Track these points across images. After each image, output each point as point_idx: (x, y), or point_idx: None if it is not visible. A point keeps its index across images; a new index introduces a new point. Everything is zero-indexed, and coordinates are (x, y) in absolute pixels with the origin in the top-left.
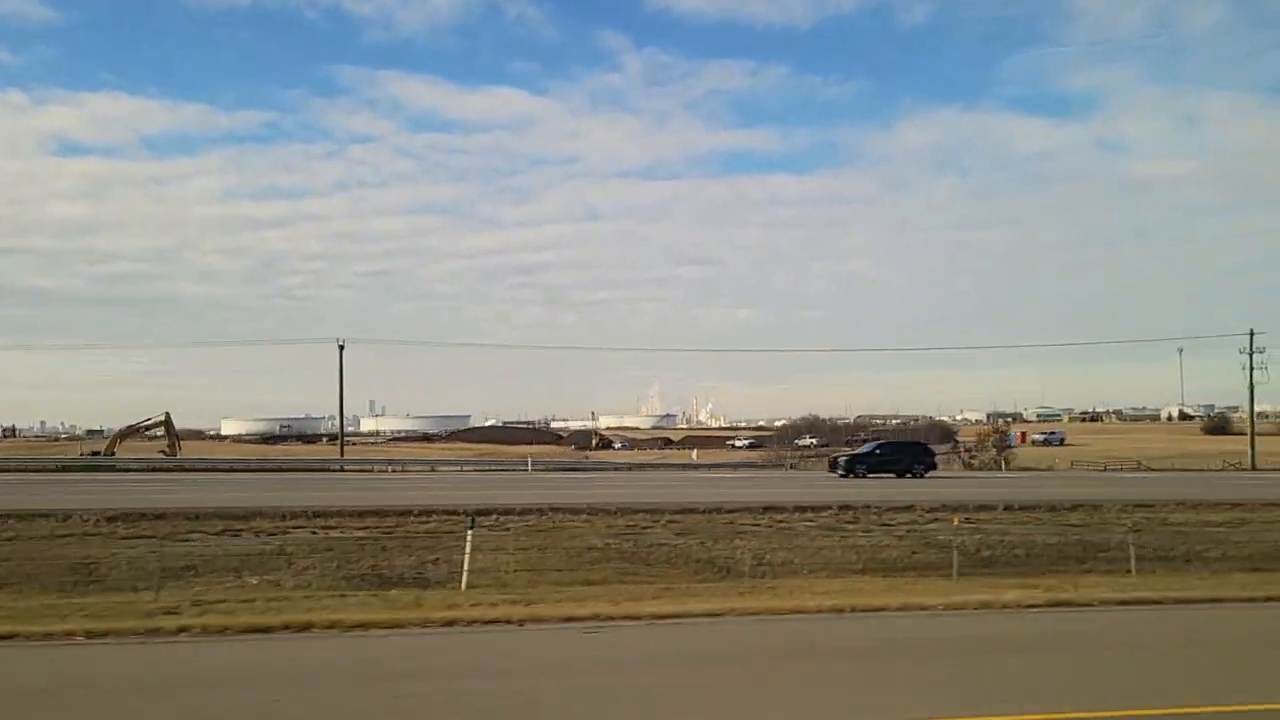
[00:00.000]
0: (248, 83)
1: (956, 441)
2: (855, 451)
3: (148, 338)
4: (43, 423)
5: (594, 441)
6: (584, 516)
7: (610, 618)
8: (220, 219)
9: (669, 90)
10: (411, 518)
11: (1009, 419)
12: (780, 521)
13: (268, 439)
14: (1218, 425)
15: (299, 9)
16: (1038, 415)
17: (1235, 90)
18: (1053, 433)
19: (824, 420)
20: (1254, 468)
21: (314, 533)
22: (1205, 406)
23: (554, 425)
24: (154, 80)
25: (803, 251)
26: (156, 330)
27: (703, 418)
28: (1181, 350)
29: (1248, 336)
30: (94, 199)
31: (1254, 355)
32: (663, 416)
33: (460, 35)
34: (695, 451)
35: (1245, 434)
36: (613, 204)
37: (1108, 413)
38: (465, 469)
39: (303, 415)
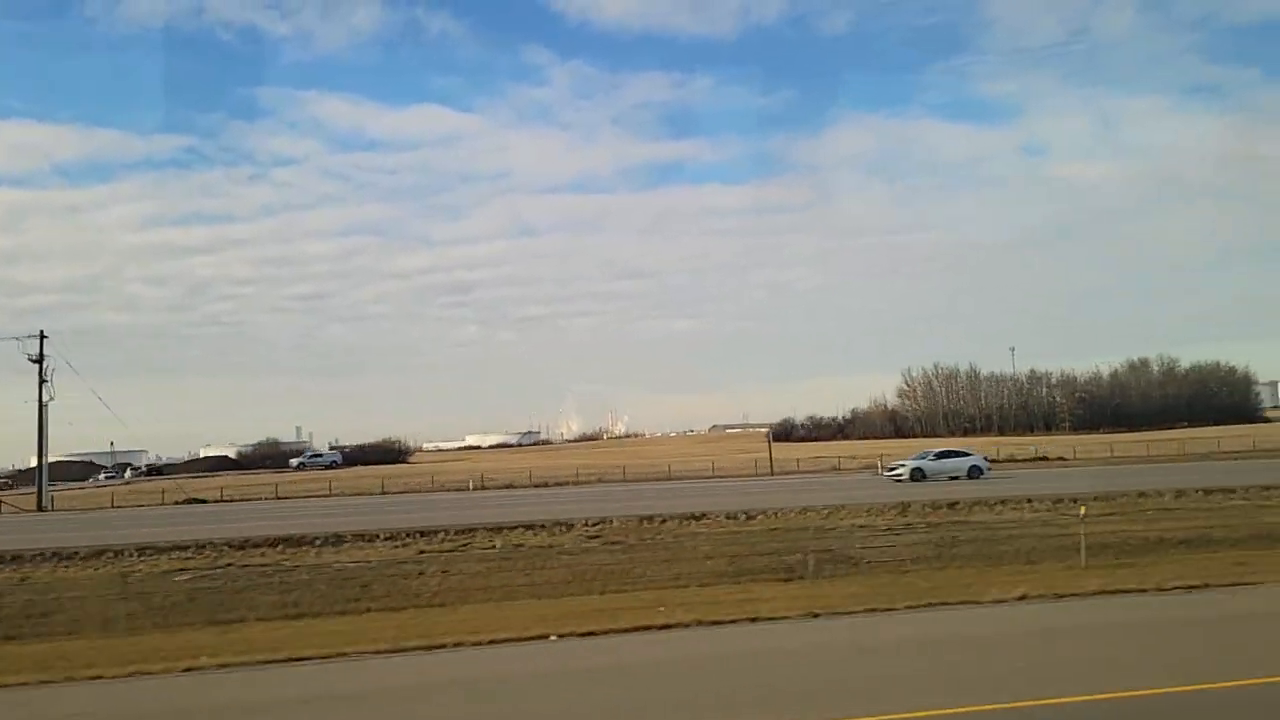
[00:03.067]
0: (164, 107)
1: None
2: None
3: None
4: None
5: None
6: None
7: None
8: (143, 246)
9: (596, 103)
10: None
11: None
12: None
13: None
14: None
15: (213, 30)
16: None
17: (1151, 93)
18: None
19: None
20: None
21: None
22: None
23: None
24: (65, 106)
25: (740, 261)
26: (79, 362)
27: (619, 431)
28: (1014, 349)
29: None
30: (9, 230)
31: None
32: (524, 434)
33: (381, 52)
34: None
35: None
36: (546, 219)
37: None
38: None
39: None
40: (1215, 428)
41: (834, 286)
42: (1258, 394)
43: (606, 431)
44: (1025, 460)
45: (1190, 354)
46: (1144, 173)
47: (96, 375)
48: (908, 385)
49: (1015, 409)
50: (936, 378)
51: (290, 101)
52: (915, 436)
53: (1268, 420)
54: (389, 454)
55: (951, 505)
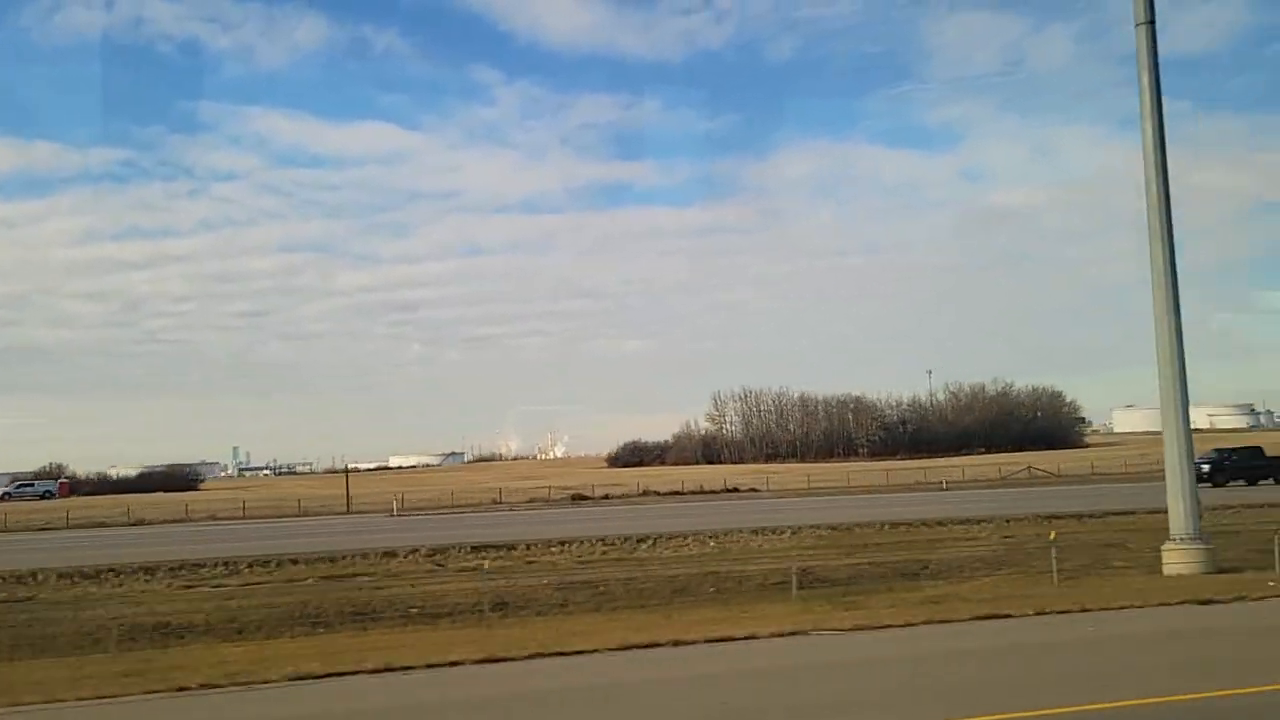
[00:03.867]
0: (102, 120)
1: None
2: None
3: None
4: None
5: None
6: None
7: None
8: (79, 261)
9: (544, 123)
10: None
11: None
12: None
13: None
14: None
15: (152, 42)
16: None
17: (1085, 123)
18: None
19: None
20: None
21: None
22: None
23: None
24: None
25: (689, 282)
26: (10, 379)
27: (558, 451)
28: (930, 372)
29: None
30: None
31: None
32: (448, 454)
33: (326, 69)
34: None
35: None
36: (495, 238)
37: None
38: None
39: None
40: (1018, 453)
41: (784, 309)
42: (1082, 421)
43: (543, 452)
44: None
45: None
46: (1080, 201)
47: (30, 393)
48: (716, 410)
49: (820, 435)
50: (745, 401)
51: (232, 116)
52: (724, 462)
53: (1086, 446)
54: (177, 481)
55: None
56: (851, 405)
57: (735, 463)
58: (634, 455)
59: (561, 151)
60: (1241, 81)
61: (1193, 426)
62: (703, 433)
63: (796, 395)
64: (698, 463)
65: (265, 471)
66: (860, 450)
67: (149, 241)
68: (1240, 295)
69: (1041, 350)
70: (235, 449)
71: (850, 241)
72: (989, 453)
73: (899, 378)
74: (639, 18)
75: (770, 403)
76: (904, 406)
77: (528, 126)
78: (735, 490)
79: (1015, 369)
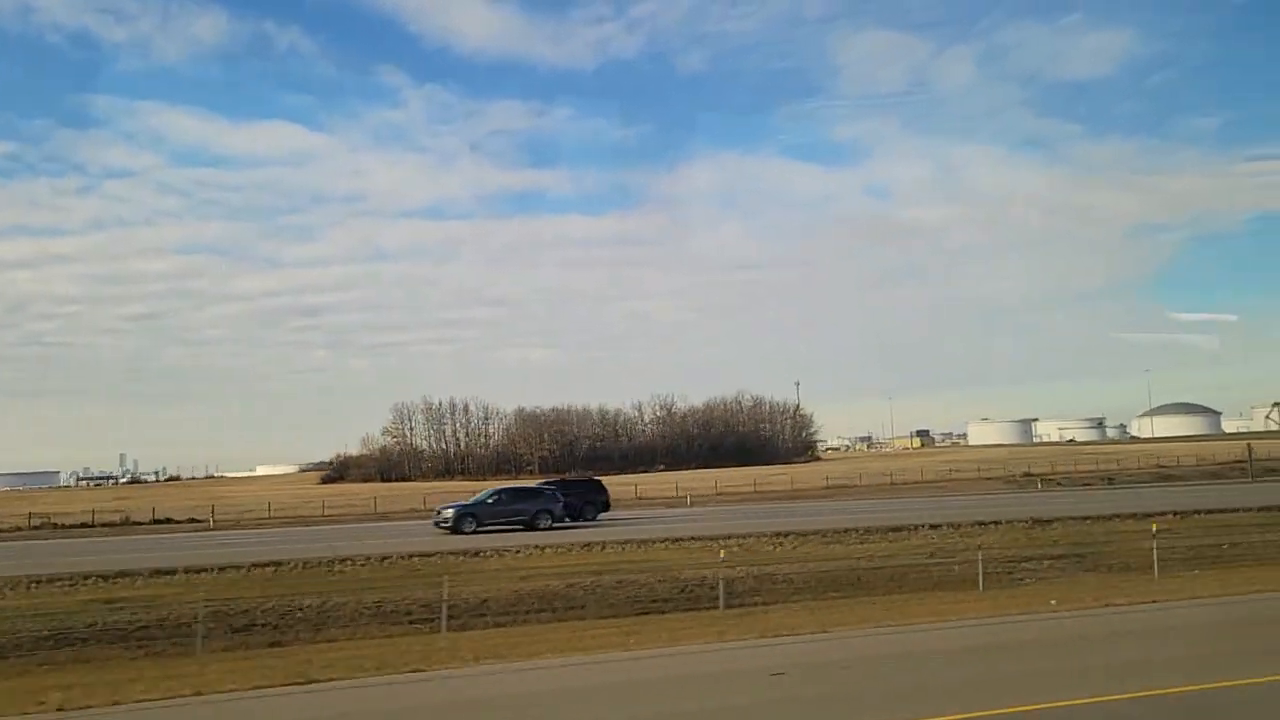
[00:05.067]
0: None
1: None
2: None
3: None
4: None
5: None
6: None
7: None
8: None
9: (453, 129)
10: None
11: None
12: None
13: None
14: None
15: (41, 33)
16: None
17: (983, 143)
18: None
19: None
20: None
21: None
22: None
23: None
24: None
25: (597, 292)
26: None
27: None
28: (799, 383)
29: None
30: None
31: None
32: (315, 463)
33: (227, 66)
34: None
35: None
36: (401, 243)
37: None
38: None
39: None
40: (706, 470)
41: (692, 321)
42: (813, 435)
43: None
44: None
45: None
46: (978, 219)
47: None
48: (396, 423)
49: (491, 452)
50: (426, 415)
51: (126, 112)
52: (404, 479)
53: (818, 460)
54: None
55: None
56: (550, 419)
57: (412, 479)
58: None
59: (471, 158)
60: (1127, 108)
61: (1045, 440)
62: (381, 448)
63: (483, 409)
64: (374, 480)
65: (113, 480)
66: (530, 468)
67: (34, 240)
68: (1124, 314)
69: (916, 364)
70: (123, 456)
71: (756, 254)
72: (671, 469)
73: (772, 387)
74: (551, 25)
75: (456, 416)
76: (609, 422)
77: (436, 131)
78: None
79: (886, 383)
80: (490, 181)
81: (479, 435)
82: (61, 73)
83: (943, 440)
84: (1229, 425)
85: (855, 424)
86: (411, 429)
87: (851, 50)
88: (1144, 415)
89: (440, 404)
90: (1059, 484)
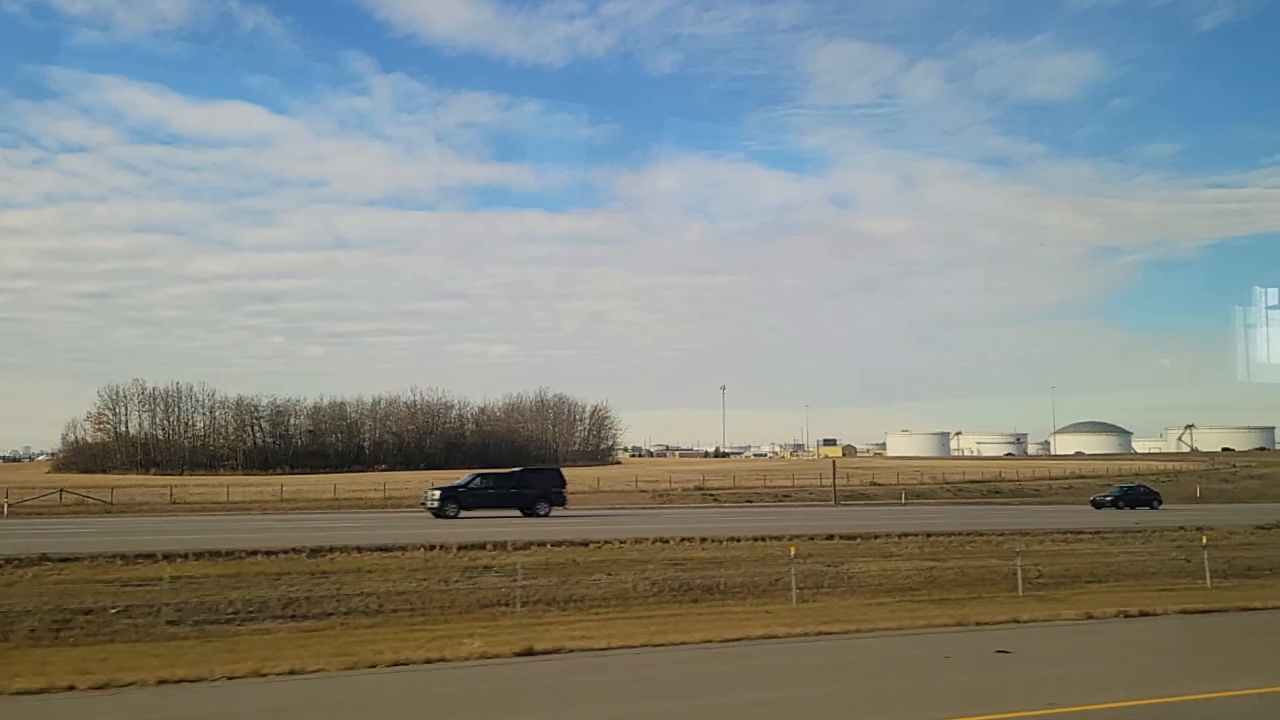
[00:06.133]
0: None
1: None
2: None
3: None
4: None
5: None
6: None
7: None
8: None
9: (419, 118)
10: None
11: None
12: None
13: None
14: None
15: None
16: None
17: (947, 158)
18: None
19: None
20: None
21: None
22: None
23: None
24: None
25: (558, 289)
26: None
27: None
28: (724, 388)
29: None
30: None
31: None
32: None
33: (190, 43)
34: None
35: None
36: (361, 232)
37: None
38: None
39: None
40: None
41: (649, 322)
42: (613, 438)
43: None
44: None
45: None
46: (938, 233)
47: None
48: (111, 410)
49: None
50: (138, 400)
51: (84, 85)
52: (106, 471)
53: (615, 464)
54: None
55: None
56: (268, 412)
57: (113, 471)
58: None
59: (436, 148)
60: (1089, 130)
61: (961, 452)
62: (82, 437)
63: (209, 395)
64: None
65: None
66: (230, 463)
67: None
68: (1077, 334)
69: (867, 375)
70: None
71: (717, 259)
72: (394, 470)
73: (701, 391)
74: (521, 19)
75: (161, 403)
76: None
77: (401, 120)
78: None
79: (824, 395)
80: (454, 173)
81: (184, 425)
82: (19, 43)
83: (864, 450)
84: (1141, 445)
85: (782, 432)
86: (125, 414)
87: (822, 59)
88: (1057, 433)
89: (153, 390)
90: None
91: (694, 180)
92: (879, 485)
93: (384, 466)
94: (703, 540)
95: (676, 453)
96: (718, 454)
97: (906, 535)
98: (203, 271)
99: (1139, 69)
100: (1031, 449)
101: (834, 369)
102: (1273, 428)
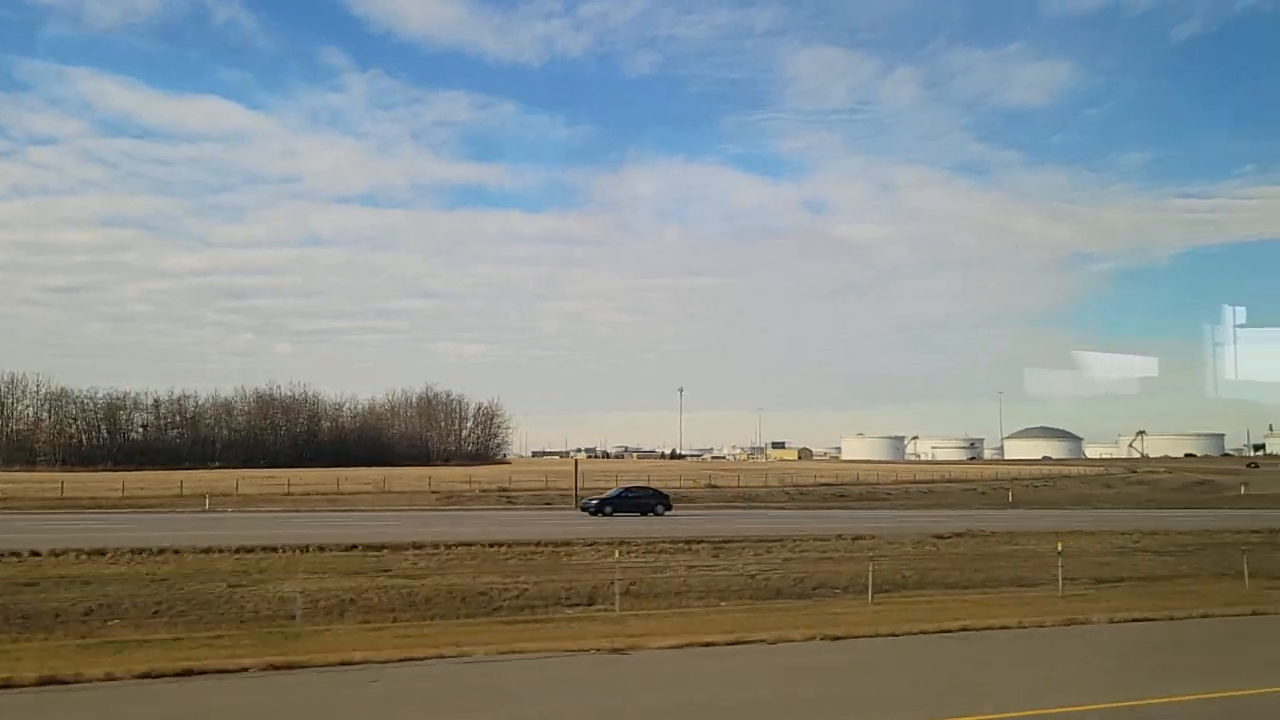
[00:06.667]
0: None
1: None
2: None
3: None
4: None
5: None
6: None
7: None
8: None
9: (395, 116)
10: None
11: None
12: None
13: None
14: None
15: None
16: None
17: (923, 165)
18: None
19: None
20: None
21: None
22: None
23: None
24: None
25: (535, 289)
26: None
27: None
28: (681, 390)
29: None
30: None
31: None
32: None
33: (162, 37)
34: None
35: None
36: (335, 229)
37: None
38: None
39: None
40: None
41: (627, 324)
42: (501, 437)
43: None
44: None
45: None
46: (912, 238)
47: None
48: None
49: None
50: None
51: (55, 77)
52: None
53: (503, 462)
54: None
55: None
56: (103, 405)
57: None
58: None
59: (412, 146)
60: (1062, 138)
61: (918, 456)
62: None
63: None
64: None
65: None
66: (44, 459)
67: None
68: (1051, 339)
69: (828, 379)
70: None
71: (694, 262)
72: (233, 467)
73: (662, 392)
74: (499, 18)
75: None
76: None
77: (377, 117)
78: None
79: (804, 398)
80: (430, 172)
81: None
82: None
83: (821, 454)
84: (1094, 450)
85: (753, 435)
86: None
87: (799, 64)
88: (1008, 438)
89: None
90: None
91: (671, 182)
92: (715, 487)
93: (217, 464)
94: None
95: (635, 454)
96: (674, 455)
97: None
98: (174, 267)
99: (1113, 79)
100: (988, 453)
101: (812, 373)
102: (1223, 435)
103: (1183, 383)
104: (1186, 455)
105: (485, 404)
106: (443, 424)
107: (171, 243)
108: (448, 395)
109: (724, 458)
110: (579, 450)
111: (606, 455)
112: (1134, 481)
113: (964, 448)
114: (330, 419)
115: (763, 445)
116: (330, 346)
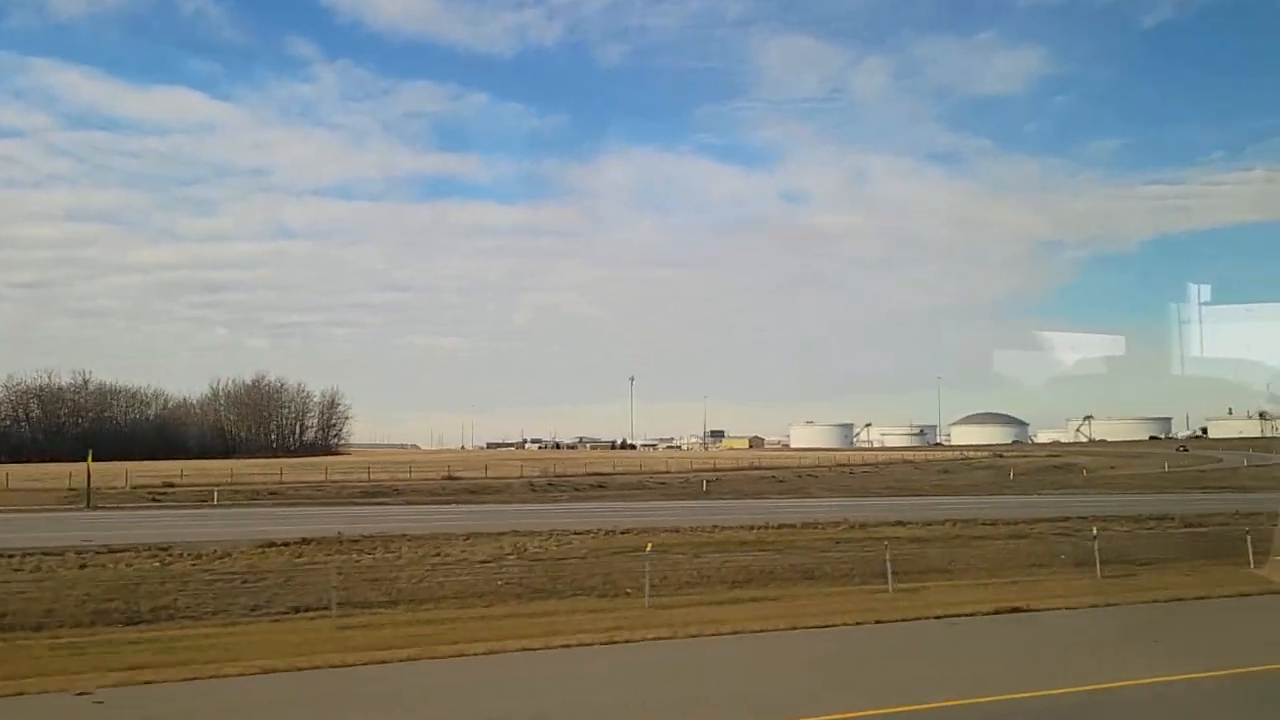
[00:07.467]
0: None
1: None
2: None
3: None
4: None
5: None
6: None
7: None
8: None
9: (366, 107)
10: None
11: None
12: None
13: None
14: None
15: None
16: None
17: (894, 154)
18: None
19: None
20: None
21: None
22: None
23: None
24: None
25: (508, 281)
26: None
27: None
28: (633, 379)
29: None
30: None
31: None
32: None
33: (128, 26)
34: None
35: None
36: (307, 222)
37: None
38: None
39: None
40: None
41: (600, 315)
42: (336, 428)
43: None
44: None
45: None
46: (885, 227)
47: None
48: None
49: None
50: None
51: (16, 68)
52: None
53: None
54: None
55: None
56: None
57: None
58: None
59: (384, 138)
60: (1033, 127)
61: (870, 443)
62: None
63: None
64: None
65: None
66: None
67: None
68: (1020, 328)
69: (773, 370)
70: None
71: (666, 253)
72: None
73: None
74: (469, 8)
75: None
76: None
77: (348, 109)
78: None
79: (736, 388)
80: (402, 163)
81: None
82: None
83: (773, 442)
84: (1043, 435)
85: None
86: None
87: (770, 54)
88: (954, 424)
89: None
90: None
91: (643, 173)
92: (453, 479)
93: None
94: None
95: (589, 445)
96: (623, 445)
97: None
98: (144, 261)
99: (1083, 66)
100: (941, 440)
101: (775, 364)
102: (1170, 419)
103: (1146, 365)
104: (1124, 442)
105: (325, 393)
106: (284, 414)
107: (140, 237)
108: (283, 384)
109: (679, 447)
110: (532, 442)
111: (558, 446)
112: (982, 467)
113: (914, 435)
114: (124, 411)
115: (721, 431)
116: (299, 339)
